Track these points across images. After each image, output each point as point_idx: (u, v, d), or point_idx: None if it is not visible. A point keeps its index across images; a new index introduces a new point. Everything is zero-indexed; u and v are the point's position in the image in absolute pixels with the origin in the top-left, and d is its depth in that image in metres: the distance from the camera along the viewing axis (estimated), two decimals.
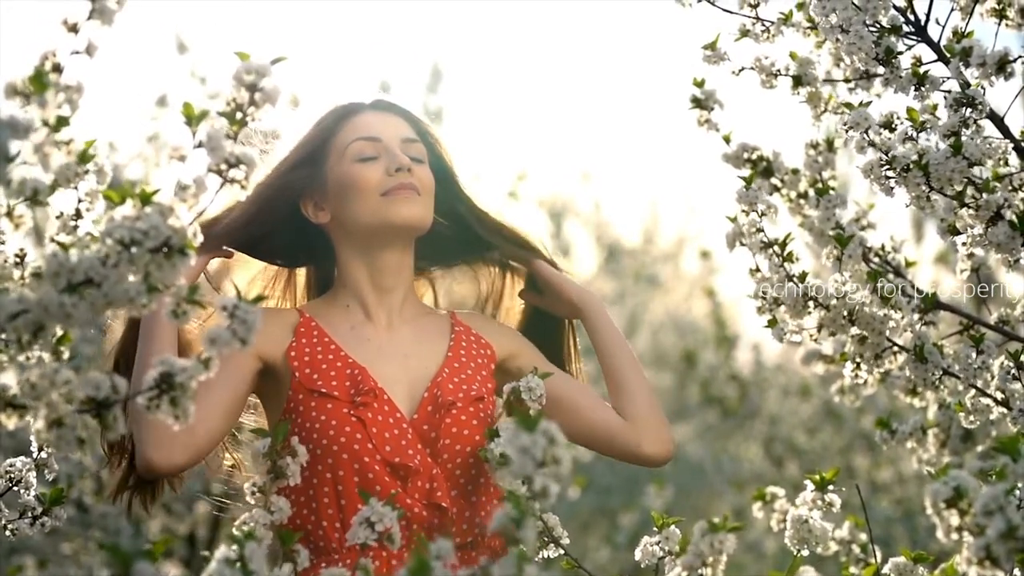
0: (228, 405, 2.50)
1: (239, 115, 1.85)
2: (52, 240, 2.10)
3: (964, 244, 2.56)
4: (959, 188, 2.48)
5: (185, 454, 2.42)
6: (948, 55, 2.53)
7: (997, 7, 2.60)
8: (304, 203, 2.67)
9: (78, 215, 2.15)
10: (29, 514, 2.41)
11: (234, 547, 1.82)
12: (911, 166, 2.50)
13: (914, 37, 2.60)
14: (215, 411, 2.47)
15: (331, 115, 2.68)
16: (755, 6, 2.69)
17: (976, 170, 2.48)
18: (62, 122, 1.89)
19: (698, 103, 2.68)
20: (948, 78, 2.52)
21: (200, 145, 1.83)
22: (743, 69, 2.70)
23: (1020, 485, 1.76)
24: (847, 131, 2.55)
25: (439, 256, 2.84)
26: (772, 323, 2.64)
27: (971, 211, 2.50)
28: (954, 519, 1.75)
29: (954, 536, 1.76)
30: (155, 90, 6.89)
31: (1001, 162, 2.53)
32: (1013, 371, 2.58)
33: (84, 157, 2.03)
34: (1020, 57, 2.52)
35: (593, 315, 2.80)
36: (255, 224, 2.61)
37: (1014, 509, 1.64)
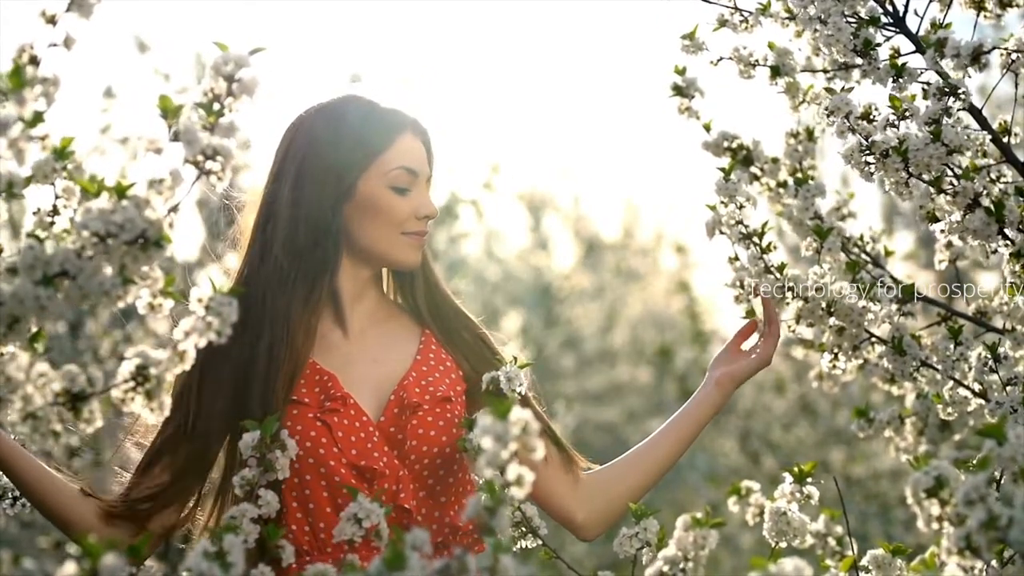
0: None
1: (216, 106, 1.85)
2: (29, 235, 2.09)
3: (943, 232, 2.57)
4: (937, 174, 2.49)
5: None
6: (925, 46, 2.54)
7: None
8: None
9: (55, 211, 2.14)
10: (9, 495, 2.41)
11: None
12: (890, 151, 2.50)
13: (892, 28, 2.61)
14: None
15: (387, 123, 2.63)
16: None
17: (955, 158, 2.50)
18: (38, 117, 1.88)
19: (679, 91, 2.68)
20: (925, 69, 2.53)
21: (176, 138, 1.82)
22: (721, 59, 2.71)
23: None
24: (828, 116, 2.55)
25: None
26: (750, 313, 2.65)
27: (949, 198, 2.51)
28: (934, 509, 1.76)
29: (934, 526, 1.76)
30: (118, 84, 6.78)
31: (979, 154, 2.54)
32: (990, 363, 2.59)
33: (62, 154, 2.02)
34: (994, 48, 2.53)
35: (714, 397, 2.73)
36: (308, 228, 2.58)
37: (995, 499, 1.64)
